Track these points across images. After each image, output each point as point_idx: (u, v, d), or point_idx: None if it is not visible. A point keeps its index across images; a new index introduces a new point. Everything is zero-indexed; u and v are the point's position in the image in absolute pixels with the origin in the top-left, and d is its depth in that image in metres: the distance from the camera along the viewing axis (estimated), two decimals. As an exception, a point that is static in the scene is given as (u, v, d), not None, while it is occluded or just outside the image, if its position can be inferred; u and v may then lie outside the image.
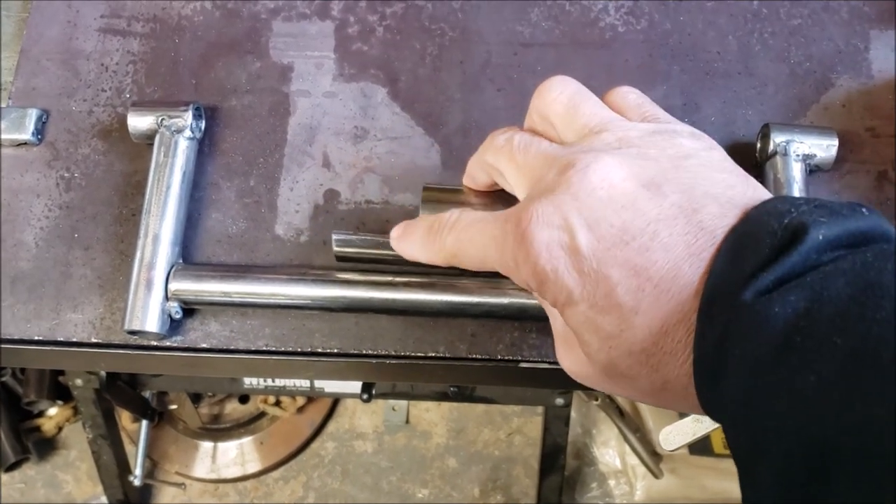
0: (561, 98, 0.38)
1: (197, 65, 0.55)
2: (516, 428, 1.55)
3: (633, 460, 1.45)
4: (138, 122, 0.50)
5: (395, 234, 0.42)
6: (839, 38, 0.54)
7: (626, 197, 0.32)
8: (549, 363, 0.48)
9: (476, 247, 0.36)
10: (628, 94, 0.39)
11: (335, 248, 0.46)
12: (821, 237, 0.28)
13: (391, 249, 0.43)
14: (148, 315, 0.46)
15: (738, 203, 0.32)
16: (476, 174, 0.43)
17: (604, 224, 0.32)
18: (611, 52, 0.55)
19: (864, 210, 0.30)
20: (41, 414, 1.50)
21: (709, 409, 0.31)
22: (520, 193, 0.38)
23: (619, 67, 0.54)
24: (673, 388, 0.32)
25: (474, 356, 0.48)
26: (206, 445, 1.52)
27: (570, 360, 0.37)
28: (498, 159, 0.39)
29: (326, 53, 0.55)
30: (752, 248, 0.29)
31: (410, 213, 0.51)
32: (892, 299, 0.25)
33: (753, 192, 0.33)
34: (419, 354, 0.49)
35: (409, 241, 0.41)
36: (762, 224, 0.30)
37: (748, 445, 0.29)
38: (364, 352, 0.49)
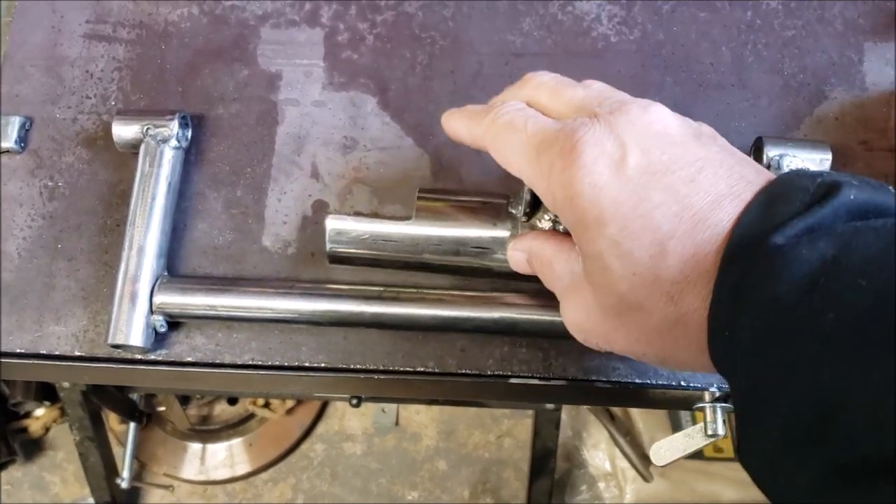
0: (547, 79, 0.40)
1: (183, 72, 0.54)
2: (506, 430, 1.55)
3: (622, 463, 1.44)
4: (123, 130, 0.49)
5: (448, 111, 0.43)
6: (833, 50, 0.54)
7: (679, 137, 0.34)
8: (539, 378, 0.48)
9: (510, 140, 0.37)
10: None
11: (329, 246, 0.45)
12: (852, 196, 0.29)
13: (385, 250, 0.44)
14: (132, 329, 0.46)
15: (767, 173, 0.34)
16: (508, 99, 0.41)
17: (656, 151, 0.33)
18: (603, 62, 0.54)
19: (891, 188, 0.31)
20: (28, 415, 1.48)
21: (717, 356, 0.32)
22: (556, 119, 0.38)
23: (611, 78, 0.53)
24: (685, 324, 0.32)
25: (464, 371, 0.48)
26: (195, 447, 1.52)
27: (576, 308, 0.37)
28: (539, 93, 0.40)
29: (315, 61, 0.54)
30: (784, 201, 0.30)
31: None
32: None
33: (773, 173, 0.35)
34: (408, 369, 0.48)
35: (458, 117, 0.41)
36: (795, 184, 0.31)
37: (754, 393, 0.29)
38: (352, 366, 0.48)
